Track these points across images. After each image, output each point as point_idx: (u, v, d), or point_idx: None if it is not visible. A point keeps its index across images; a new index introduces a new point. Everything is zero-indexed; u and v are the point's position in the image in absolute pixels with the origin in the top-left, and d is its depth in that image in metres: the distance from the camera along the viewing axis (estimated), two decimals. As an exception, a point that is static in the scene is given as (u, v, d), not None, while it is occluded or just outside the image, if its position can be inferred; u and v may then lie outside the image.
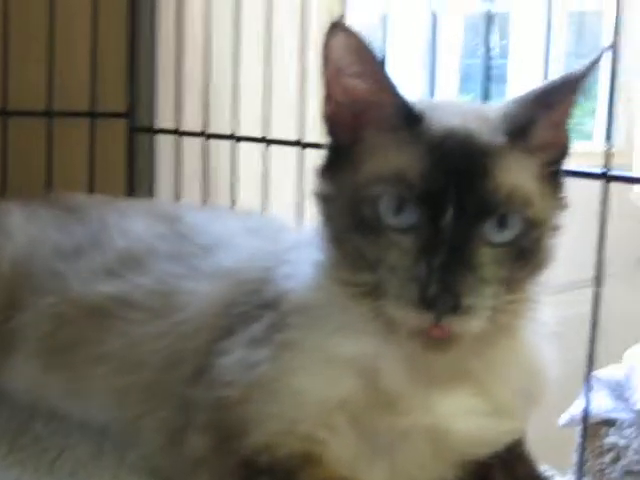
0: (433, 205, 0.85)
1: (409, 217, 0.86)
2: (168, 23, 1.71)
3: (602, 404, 2.13)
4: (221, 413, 0.95)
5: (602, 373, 2.18)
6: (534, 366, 0.98)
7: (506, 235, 0.87)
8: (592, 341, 1.18)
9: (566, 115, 0.94)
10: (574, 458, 2.18)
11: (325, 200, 0.94)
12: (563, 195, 0.95)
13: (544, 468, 1.06)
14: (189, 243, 1.15)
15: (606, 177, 1.15)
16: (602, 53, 0.94)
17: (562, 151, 0.95)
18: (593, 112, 3.11)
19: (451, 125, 0.90)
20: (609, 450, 2.09)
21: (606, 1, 3.08)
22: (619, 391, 2.12)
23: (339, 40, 0.89)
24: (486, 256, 0.86)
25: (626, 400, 2.07)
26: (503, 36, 3.24)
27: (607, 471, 2.09)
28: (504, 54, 3.27)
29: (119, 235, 1.19)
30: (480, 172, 0.87)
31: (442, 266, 0.83)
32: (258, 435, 0.92)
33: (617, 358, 2.22)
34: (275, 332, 0.95)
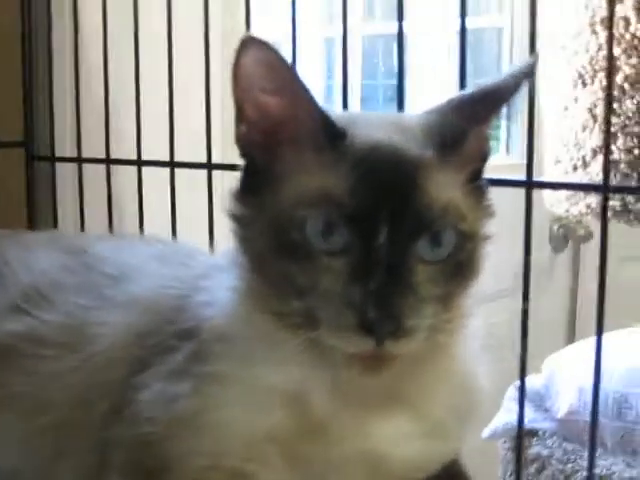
0: (365, 225, 0.81)
1: (339, 239, 0.82)
2: (65, 48, 1.65)
3: (524, 415, 2.12)
4: (141, 451, 0.90)
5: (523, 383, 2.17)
6: (468, 383, 0.96)
7: (442, 252, 0.84)
8: (524, 350, 1.17)
9: (490, 124, 0.92)
10: (499, 471, 2.18)
11: (242, 224, 0.89)
12: (489, 203, 0.92)
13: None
14: (97, 274, 1.09)
15: (529, 184, 1.14)
16: (532, 63, 0.92)
17: (483, 157, 0.93)
18: (496, 125, 3.13)
19: (376, 139, 0.86)
20: (533, 461, 2.08)
21: (505, 17, 3.12)
22: (539, 401, 2.11)
23: (251, 55, 0.85)
24: (423, 274, 0.83)
25: (547, 410, 2.07)
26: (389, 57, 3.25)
27: (532, 482, 2.08)
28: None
29: (22, 270, 1.13)
30: (412, 187, 0.83)
31: (379, 288, 0.80)
32: (182, 472, 0.88)
33: (535, 368, 2.22)
34: (196, 363, 0.90)
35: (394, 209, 0.82)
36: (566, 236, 3.21)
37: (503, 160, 3.07)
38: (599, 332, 1.18)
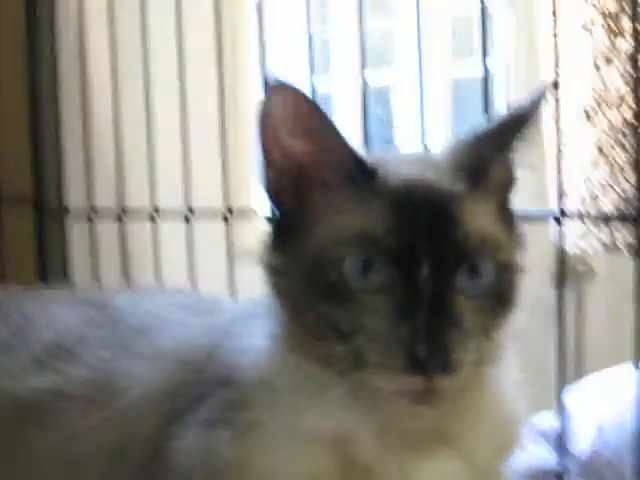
0: (406, 262, 0.81)
1: (380, 277, 0.82)
2: (73, 101, 1.64)
3: (542, 455, 2.10)
4: None
5: (538, 422, 2.15)
6: (509, 418, 0.95)
7: (482, 284, 0.84)
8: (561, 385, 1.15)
9: (514, 153, 0.91)
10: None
11: (277, 273, 0.88)
12: (520, 232, 0.92)
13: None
14: (121, 326, 1.07)
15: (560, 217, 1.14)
16: (544, 88, 0.92)
17: (511, 185, 0.93)
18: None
19: (408, 176, 0.86)
20: (557, 502, 2.05)
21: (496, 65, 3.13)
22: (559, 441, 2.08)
23: (279, 102, 0.84)
24: (465, 307, 0.82)
25: (567, 451, 2.04)
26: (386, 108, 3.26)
27: (557, 525, 2.04)
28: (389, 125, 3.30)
29: (45, 326, 1.11)
30: (448, 221, 0.83)
31: (425, 325, 0.79)
32: None
33: (546, 407, 2.20)
34: (234, 411, 0.88)
35: (433, 243, 0.81)
36: (571, 272, 3.20)
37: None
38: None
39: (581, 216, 1.17)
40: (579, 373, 3.23)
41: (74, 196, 1.68)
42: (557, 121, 1.11)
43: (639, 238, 1.12)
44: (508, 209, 0.92)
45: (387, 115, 3.20)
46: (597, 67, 1.69)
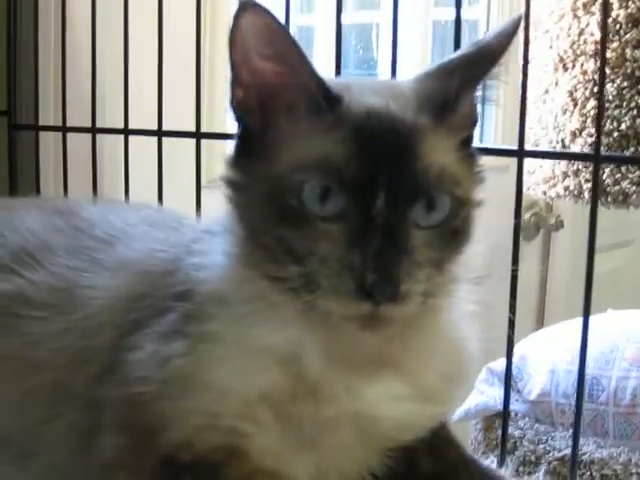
0: (362, 191, 0.82)
1: (337, 204, 0.83)
2: (49, 16, 1.64)
3: (496, 397, 2.15)
4: (135, 410, 0.90)
5: (495, 366, 2.19)
6: (458, 348, 0.97)
7: (437, 216, 0.85)
8: (512, 312, 1.18)
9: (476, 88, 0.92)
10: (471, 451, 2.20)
11: (237, 190, 0.90)
12: (480, 169, 0.93)
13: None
14: (87, 236, 1.09)
15: (521, 153, 1.16)
16: (517, 21, 0.91)
17: (473, 123, 0.94)
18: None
19: (372, 105, 0.86)
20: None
21: (481, 10, 3.12)
22: (512, 383, 2.13)
23: (248, 20, 0.85)
24: (419, 239, 0.84)
25: (519, 392, 2.09)
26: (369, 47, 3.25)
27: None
28: (374, 65, 3.29)
29: (10, 232, 1.11)
30: (409, 154, 0.84)
31: (377, 254, 0.81)
32: (178, 431, 0.88)
33: (504, 352, 2.24)
34: (190, 324, 0.90)
35: (391, 175, 0.82)
36: (537, 224, 3.24)
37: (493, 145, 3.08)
38: (586, 313, 1.20)
39: (541, 154, 1.18)
40: (541, 320, 3.30)
41: (47, 113, 1.68)
42: (525, 60, 1.11)
43: (596, 178, 1.14)
44: (470, 146, 0.93)
45: (369, 54, 3.19)
46: (576, 16, 1.70)
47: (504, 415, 1.27)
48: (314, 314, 0.85)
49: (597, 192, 1.15)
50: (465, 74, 0.89)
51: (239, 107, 0.90)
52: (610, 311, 2.26)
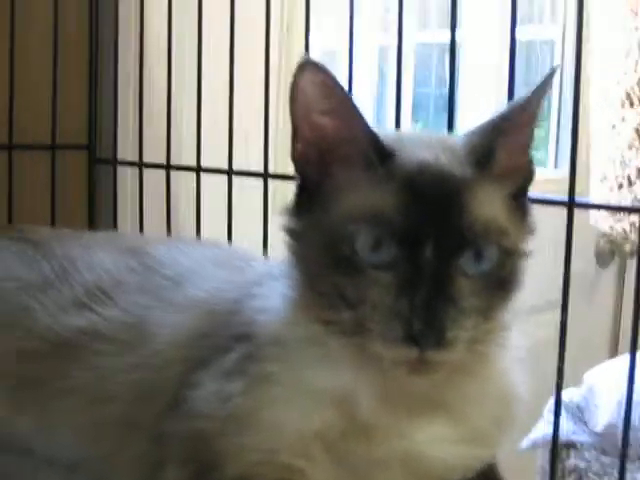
0: (412, 242, 0.86)
1: (388, 254, 0.87)
2: (130, 54, 1.71)
3: (563, 427, 2.15)
4: (198, 445, 0.95)
5: (562, 395, 2.20)
6: (507, 392, 1.00)
7: (484, 266, 0.89)
8: (560, 368, 1.20)
9: (525, 139, 0.96)
10: (537, 481, 2.22)
11: (296, 237, 0.95)
12: (530, 220, 0.97)
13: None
14: (156, 275, 1.14)
15: (571, 204, 1.17)
16: (551, 74, 0.94)
17: (527, 176, 0.97)
18: (545, 139, 3.16)
19: (423, 160, 0.91)
20: (571, 472, 2.11)
21: (557, 29, 3.13)
22: (579, 414, 2.14)
23: (307, 78, 0.90)
24: (465, 288, 0.87)
25: (586, 423, 2.10)
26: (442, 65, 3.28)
27: (569, 493, 2.11)
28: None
29: (86, 269, 1.18)
30: (456, 206, 0.88)
31: (424, 301, 0.85)
32: (236, 466, 0.92)
33: (576, 381, 2.24)
34: (249, 364, 0.95)
35: (439, 226, 0.86)
36: (612, 251, 3.22)
37: (551, 174, 3.09)
38: (633, 348, 1.20)
39: (593, 206, 1.19)
40: (615, 349, 3.28)
41: (125, 148, 1.75)
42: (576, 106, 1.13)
43: None
44: (521, 197, 0.96)
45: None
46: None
47: (553, 452, 1.28)
48: (366, 358, 0.89)
49: None
50: (498, 127, 0.93)
51: (299, 160, 0.95)
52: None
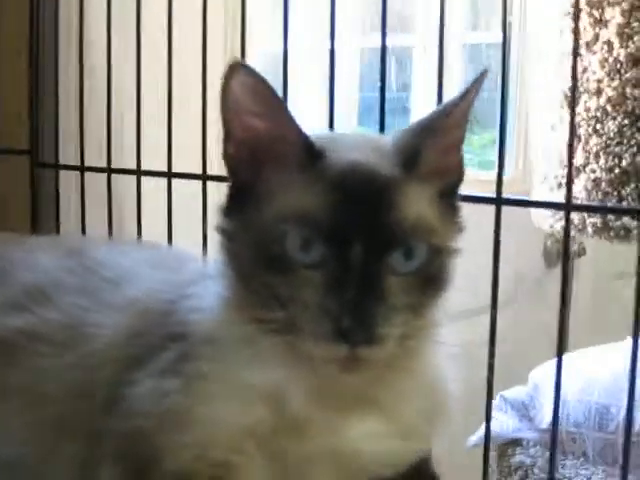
0: (340, 241, 0.88)
1: (316, 253, 0.88)
2: (71, 59, 1.71)
3: (509, 424, 2.18)
4: (133, 443, 0.96)
5: (508, 393, 2.23)
6: (438, 388, 1.02)
7: (413, 264, 0.90)
8: (491, 366, 1.22)
9: (454, 140, 0.98)
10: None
11: (229, 237, 0.96)
12: (459, 219, 0.99)
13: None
14: (95, 276, 1.15)
15: (498, 201, 1.20)
16: (480, 77, 0.96)
17: (456, 176, 0.99)
18: (492, 141, 3.19)
19: (352, 160, 0.92)
20: (517, 469, 2.13)
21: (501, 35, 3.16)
22: (524, 411, 2.17)
23: (238, 80, 0.91)
24: (395, 286, 0.89)
25: (531, 420, 2.12)
26: (403, 69, 3.30)
27: (516, 489, 2.13)
28: (406, 87, 3.33)
29: (26, 270, 1.18)
30: (384, 205, 0.89)
31: (353, 299, 0.86)
32: (171, 463, 0.93)
33: (525, 378, 2.27)
34: (185, 363, 0.96)
35: (367, 225, 0.88)
36: (559, 251, 3.26)
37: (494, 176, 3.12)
38: (635, 337, 1.22)
39: (520, 202, 1.22)
40: (562, 349, 3.31)
41: (68, 153, 1.75)
42: (572, 116, 1.16)
43: (567, 225, 1.19)
44: (450, 196, 0.98)
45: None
46: (579, 54, 1.75)
47: (485, 447, 1.29)
48: (297, 355, 0.91)
49: (568, 240, 1.22)
50: (425, 127, 0.95)
51: (231, 161, 0.96)
52: (629, 339, 2.28)
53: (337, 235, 0.88)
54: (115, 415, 0.98)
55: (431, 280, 0.92)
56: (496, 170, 1.23)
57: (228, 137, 0.95)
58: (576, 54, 1.18)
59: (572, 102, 1.19)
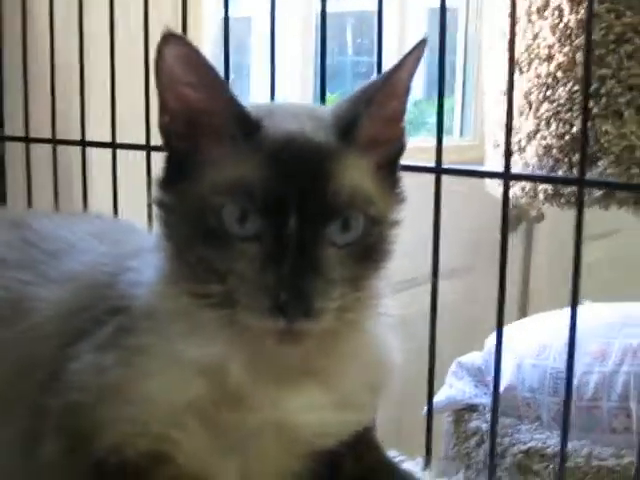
0: (275, 214, 0.87)
1: (253, 226, 0.87)
2: (15, 28, 1.68)
3: (465, 390, 2.19)
4: (72, 418, 0.95)
5: (464, 359, 2.25)
6: (379, 358, 1.01)
7: (350, 236, 0.89)
8: (432, 335, 1.24)
9: (394, 110, 0.96)
10: (442, 444, 2.26)
11: (166, 210, 0.95)
12: (400, 190, 0.98)
13: (393, 454, 1.09)
14: (36, 250, 1.13)
15: (438, 171, 1.19)
16: (419, 45, 0.94)
17: (397, 147, 0.98)
18: (451, 108, 3.19)
19: (288, 131, 0.91)
20: (473, 434, 2.15)
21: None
22: (480, 376, 2.18)
23: (172, 50, 0.90)
24: (332, 258, 0.88)
25: (487, 385, 2.14)
26: (359, 34, 3.29)
27: (472, 454, 2.15)
28: (365, 52, 3.32)
29: None
30: (320, 177, 0.88)
31: (290, 272, 0.85)
32: (109, 437, 0.93)
33: (481, 345, 2.28)
34: (123, 336, 0.95)
35: (303, 197, 0.87)
36: (519, 217, 3.28)
37: (457, 142, 3.14)
38: (574, 304, 1.23)
39: (459, 172, 1.21)
40: (524, 313, 3.34)
41: (15, 124, 1.73)
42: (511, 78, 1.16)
43: (506, 194, 1.18)
44: (391, 167, 0.97)
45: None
46: (530, 21, 1.74)
47: (428, 417, 1.30)
48: (236, 329, 0.90)
49: (507, 210, 1.19)
50: (363, 97, 0.94)
51: (166, 131, 0.95)
52: (587, 303, 2.30)
53: (272, 207, 0.87)
54: (55, 390, 0.97)
55: (369, 252, 0.91)
56: (436, 138, 1.20)
57: (163, 108, 0.93)
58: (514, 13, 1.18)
59: (511, 67, 1.18)
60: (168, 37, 0.90)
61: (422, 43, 0.94)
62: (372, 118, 0.93)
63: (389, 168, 0.97)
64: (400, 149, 0.98)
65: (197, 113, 0.92)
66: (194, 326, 0.93)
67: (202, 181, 0.91)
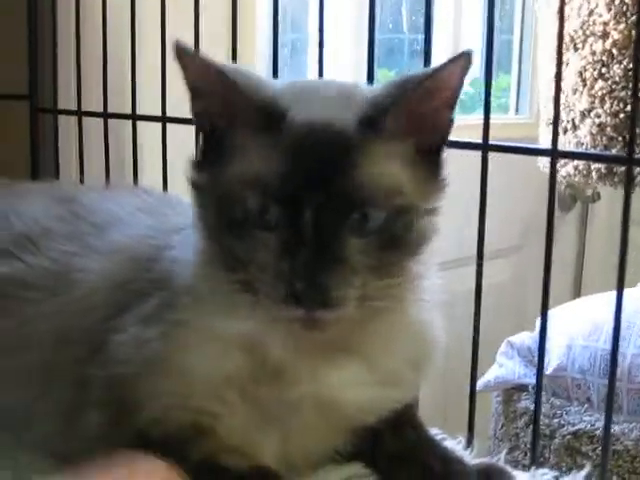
0: (291, 206, 0.87)
1: (272, 218, 0.88)
2: (69, 4, 1.69)
3: (515, 370, 2.18)
4: (116, 390, 0.96)
5: (515, 339, 2.23)
6: (422, 336, 1.02)
7: (370, 227, 0.88)
8: (477, 314, 1.23)
9: (441, 102, 0.93)
10: (491, 422, 2.25)
11: (199, 191, 0.96)
12: (442, 178, 0.96)
13: (435, 432, 1.09)
14: (84, 223, 1.15)
15: (485, 147, 1.18)
16: (466, 55, 0.91)
17: (441, 135, 0.95)
18: (507, 87, 3.16)
19: (311, 121, 0.90)
20: (522, 415, 2.14)
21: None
22: (530, 357, 2.17)
23: (186, 63, 0.91)
24: (352, 247, 0.88)
25: (536, 366, 2.12)
26: (414, 12, 3.26)
27: (521, 435, 2.14)
28: (420, 29, 3.29)
29: (15, 218, 1.18)
30: (339, 169, 0.87)
31: (306, 262, 0.85)
32: (151, 410, 0.94)
33: (533, 325, 2.27)
34: (166, 311, 0.96)
35: (321, 190, 0.86)
36: (574, 196, 3.24)
37: (513, 119, 3.10)
38: (620, 286, 1.19)
39: (505, 149, 1.19)
40: (578, 292, 3.31)
41: (67, 97, 1.74)
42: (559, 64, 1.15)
43: (553, 171, 1.17)
44: (432, 155, 0.95)
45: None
46: (587, -3, 1.72)
47: (471, 395, 1.29)
48: (267, 312, 0.90)
49: (554, 186, 1.17)
50: (401, 87, 0.91)
51: (201, 115, 0.95)
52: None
53: (289, 199, 0.87)
54: (99, 362, 0.99)
55: (396, 240, 0.90)
56: (484, 114, 1.18)
57: (193, 97, 0.94)
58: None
59: (559, 46, 1.15)
60: (179, 52, 0.91)
61: (467, 54, 0.91)
62: (414, 105, 0.91)
63: (430, 157, 0.95)
64: (443, 139, 0.96)
65: (222, 113, 0.92)
66: (232, 305, 0.93)
67: (230, 170, 0.92)
